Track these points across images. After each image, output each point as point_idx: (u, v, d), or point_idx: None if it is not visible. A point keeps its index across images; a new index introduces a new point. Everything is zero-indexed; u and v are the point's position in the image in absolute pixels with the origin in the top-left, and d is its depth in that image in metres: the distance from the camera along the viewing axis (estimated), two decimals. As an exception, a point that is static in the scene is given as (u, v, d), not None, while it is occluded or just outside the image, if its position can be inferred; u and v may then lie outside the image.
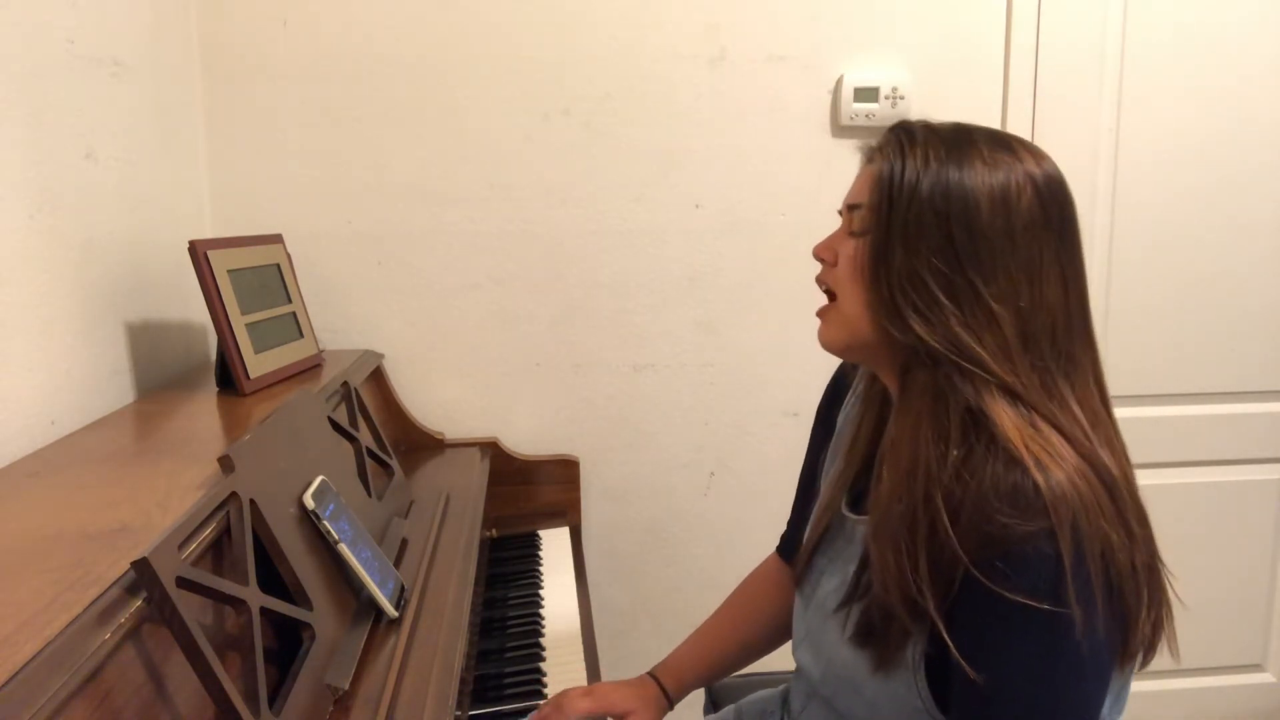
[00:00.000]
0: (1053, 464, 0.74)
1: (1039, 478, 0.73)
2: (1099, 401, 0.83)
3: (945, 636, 0.75)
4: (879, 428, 0.94)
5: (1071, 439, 0.77)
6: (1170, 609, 0.81)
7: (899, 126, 0.87)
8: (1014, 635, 0.74)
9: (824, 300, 0.92)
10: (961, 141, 0.83)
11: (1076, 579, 0.71)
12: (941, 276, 0.80)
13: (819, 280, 0.92)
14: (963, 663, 0.74)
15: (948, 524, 0.74)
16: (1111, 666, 0.77)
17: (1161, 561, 0.81)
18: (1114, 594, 0.74)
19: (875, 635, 0.83)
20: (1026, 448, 0.75)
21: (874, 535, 0.83)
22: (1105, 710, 0.80)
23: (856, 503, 0.95)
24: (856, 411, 0.99)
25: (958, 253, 0.80)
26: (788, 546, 1.18)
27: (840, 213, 0.91)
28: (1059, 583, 0.71)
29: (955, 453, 0.77)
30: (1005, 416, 0.77)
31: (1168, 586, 0.81)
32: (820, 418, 1.11)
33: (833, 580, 0.95)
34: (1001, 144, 0.83)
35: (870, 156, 0.89)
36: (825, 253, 0.91)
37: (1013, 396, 0.78)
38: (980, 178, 0.80)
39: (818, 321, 0.91)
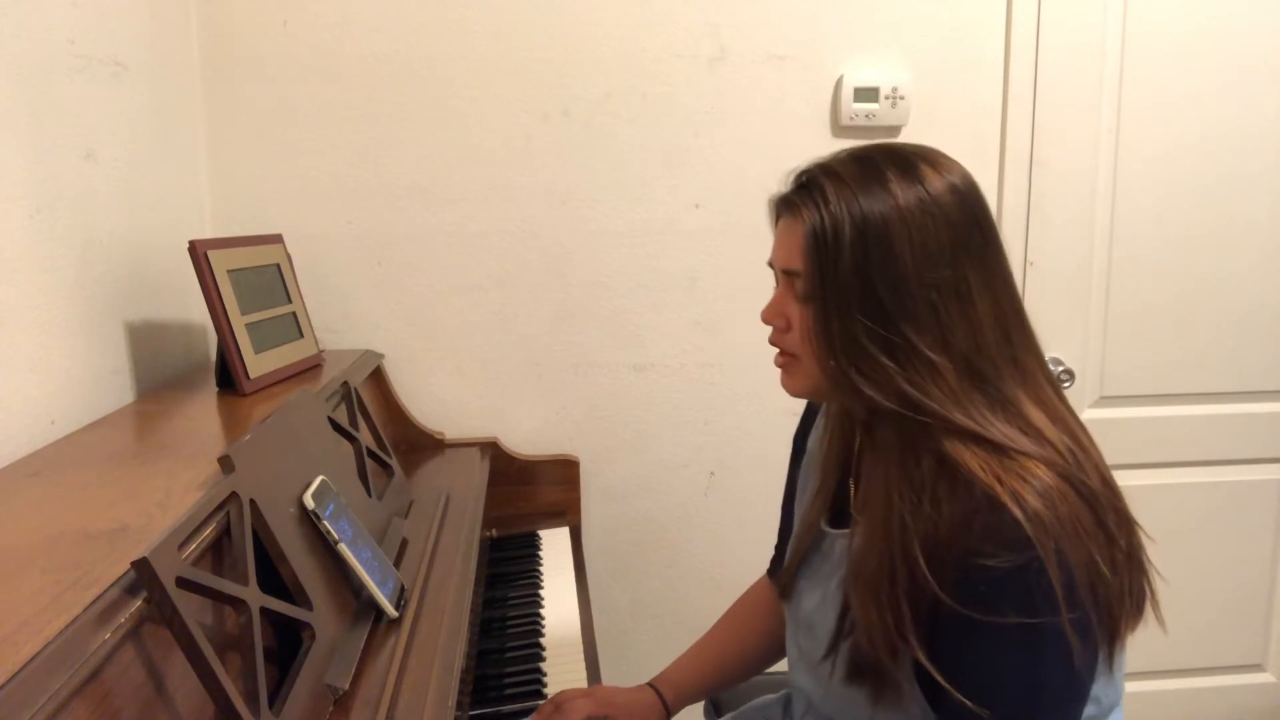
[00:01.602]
0: (1028, 492, 0.74)
1: (1016, 511, 0.73)
2: (1053, 394, 0.84)
3: (940, 680, 0.76)
4: (848, 441, 0.95)
5: (1043, 459, 0.77)
6: (1151, 579, 0.82)
7: (807, 180, 0.86)
8: (1012, 657, 0.74)
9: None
10: (869, 180, 0.82)
11: (1069, 601, 0.72)
12: (876, 336, 0.80)
13: (773, 343, 0.91)
14: (964, 700, 0.75)
15: (926, 572, 0.75)
16: (1094, 668, 0.78)
17: (1138, 528, 0.81)
18: (1101, 602, 0.75)
19: (866, 675, 0.84)
20: (1000, 482, 0.75)
21: (854, 588, 0.84)
22: (1099, 689, 0.81)
23: (836, 519, 0.96)
24: (824, 429, 1.00)
25: (885, 308, 0.80)
26: (777, 569, 1.18)
27: (770, 265, 0.90)
28: (1051, 605, 0.72)
29: (929, 501, 0.77)
30: (972, 457, 0.77)
31: (1146, 561, 0.82)
32: (795, 443, 1.13)
33: (813, 597, 0.95)
34: (905, 169, 0.82)
35: (779, 212, 0.88)
36: (777, 319, 0.90)
37: (974, 436, 0.78)
38: (897, 224, 0.79)
39: None
